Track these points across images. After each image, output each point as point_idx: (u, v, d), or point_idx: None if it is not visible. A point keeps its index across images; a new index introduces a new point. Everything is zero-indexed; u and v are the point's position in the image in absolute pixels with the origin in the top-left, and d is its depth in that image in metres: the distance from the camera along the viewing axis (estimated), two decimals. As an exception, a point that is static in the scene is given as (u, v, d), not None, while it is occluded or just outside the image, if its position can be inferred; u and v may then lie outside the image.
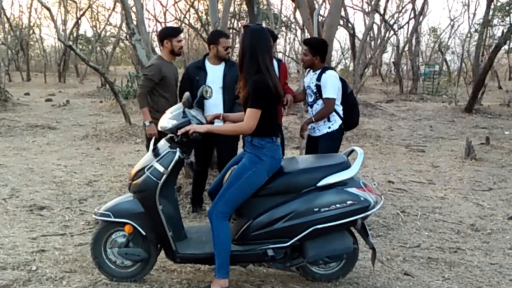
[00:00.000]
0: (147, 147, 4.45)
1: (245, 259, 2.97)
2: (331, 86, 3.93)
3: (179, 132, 2.82)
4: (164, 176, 2.89)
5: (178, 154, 2.90)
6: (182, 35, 4.51)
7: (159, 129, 3.03)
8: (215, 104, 4.09)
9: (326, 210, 2.85)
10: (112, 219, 2.96)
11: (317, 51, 4.02)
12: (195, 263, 3.19)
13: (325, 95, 3.94)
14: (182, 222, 3.12)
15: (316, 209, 2.84)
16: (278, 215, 2.87)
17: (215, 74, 4.18)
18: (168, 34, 4.42)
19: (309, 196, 2.88)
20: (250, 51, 2.79)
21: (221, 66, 4.23)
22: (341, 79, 4.06)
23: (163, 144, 3.07)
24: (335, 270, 3.16)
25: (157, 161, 2.92)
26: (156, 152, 3.02)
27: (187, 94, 3.01)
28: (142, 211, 2.95)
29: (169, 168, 2.89)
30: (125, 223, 2.96)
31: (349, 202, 2.87)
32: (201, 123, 2.96)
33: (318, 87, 3.97)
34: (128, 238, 3.00)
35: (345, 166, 2.97)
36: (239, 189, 2.83)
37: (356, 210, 2.88)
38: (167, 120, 2.96)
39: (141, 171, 2.96)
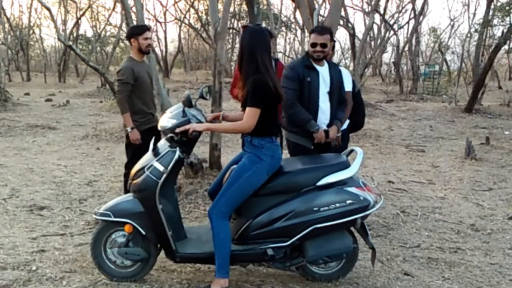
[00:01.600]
0: (127, 155, 4.32)
1: (245, 258, 2.97)
2: (346, 79, 3.90)
3: (178, 131, 2.82)
4: (164, 175, 2.89)
5: (178, 153, 2.90)
6: (149, 33, 4.32)
7: (159, 128, 3.03)
8: (322, 110, 3.61)
9: (326, 210, 2.85)
10: (112, 218, 2.96)
11: (332, 38, 4.04)
12: (195, 262, 3.19)
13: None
14: (182, 221, 3.12)
15: (315, 209, 2.85)
16: (277, 214, 2.88)
17: (324, 75, 3.65)
18: (133, 32, 4.27)
19: (308, 196, 2.88)
20: (249, 51, 2.79)
21: (326, 67, 3.69)
22: None
23: (163, 143, 3.07)
24: (335, 270, 3.16)
25: (157, 161, 2.93)
26: (156, 152, 3.03)
27: (186, 93, 3.02)
28: (142, 211, 2.95)
29: (169, 168, 2.89)
30: (125, 223, 2.96)
31: (348, 202, 2.87)
32: (201, 123, 2.96)
33: None
34: (128, 238, 3.00)
35: (345, 165, 2.97)
36: (239, 189, 2.83)
37: (356, 210, 2.88)
38: (166, 120, 2.96)
39: (141, 170, 2.97)
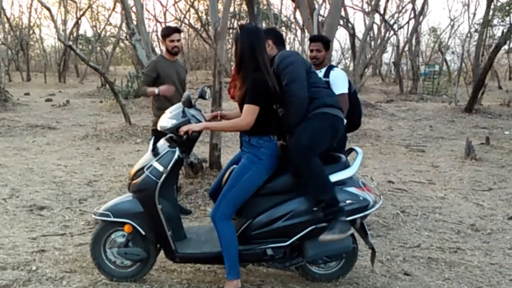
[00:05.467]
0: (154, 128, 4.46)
1: (245, 258, 2.97)
2: (343, 81, 3.92)
3: (181, 133, 2.82)
4: (164, 176, 2.89)
5: (177, 153, 2.91)
6: (177, 35, 4.53)
7: (159, 128, 3.04)
8: None
9: None
10: (112, 219, 2.96)
11: (327, 47, 4.09)
12: (195, 263, 3.19)
13: (338, 91, 3.86)
14: (182, 222, 3.12)
15: (315, 209, 2.84)
16: (277, 214, 2.88)
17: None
18: (163, 34, 4.57)
19: (308, 196, 2.88)
20: (249, 50, 2.80)
21: None
22: None
23: (162, 143, 3.07)
24: (335, 269, 3.15)
25: (156, 161, 2.93)
26: (155, 152, 3.03)
27: (186, 93, 3.02)
28: (142, 211, 2.95)
29: (169, 168, 2.89)
30: (125, 223, 2.96)
31: (348, 202, 2.87)
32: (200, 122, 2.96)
33: (327, 84, 3.96)
34: (128, 238, 3.00)
35: (344, 165, 2.97)
36: (240, 190, 2.83)
37: (355, 210, 2.88)
38: (166, 120, 2.97)
39: (141, 170, 2.97)
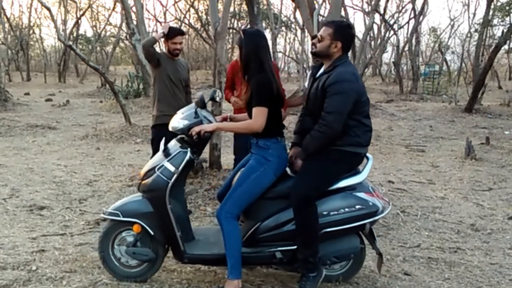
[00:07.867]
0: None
1: (253, 261, 2.98)
2: None
3: (193, 133, 2.80)
4: (175, 176, 2.88)
5: (188, 154, 2.91)
6: (180, 38, 4.52)
7: (170, 129, 3.01)
8: None
9: (335, 214, 2.85)
10: (121, 218, 2.96)
11: None
12: (203, 264, 3.19)
13: None
14: (190, 222, 3.12)
15: (325, 213, 2.84)
16: (286, 218, 2.87)
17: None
18: (167, 35, 4.50)
19: (317, 200, 2.88)
20: (255, 54, 2.82)
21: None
22: None
23: (173, 144, 3.07)
24: (343, 270, 3.14)
25: (168, 161, 2.93)
26: (166, 152, 3.02)
27: (200, 94, 3.01)
28: (151, 211, 2.94)
29: (180, 168, 2.89)
30: (134, 223, 2.96)
31: (357, 207, 2.87)
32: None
33: None
34: (136, 238, 2.98)
35: (354, 171, 2.97)
36: (247, 190, 2.83)
37: (365, 215, 2.88)
38: (178, 121, 2.95)
39: (152, 170, 2.97)
